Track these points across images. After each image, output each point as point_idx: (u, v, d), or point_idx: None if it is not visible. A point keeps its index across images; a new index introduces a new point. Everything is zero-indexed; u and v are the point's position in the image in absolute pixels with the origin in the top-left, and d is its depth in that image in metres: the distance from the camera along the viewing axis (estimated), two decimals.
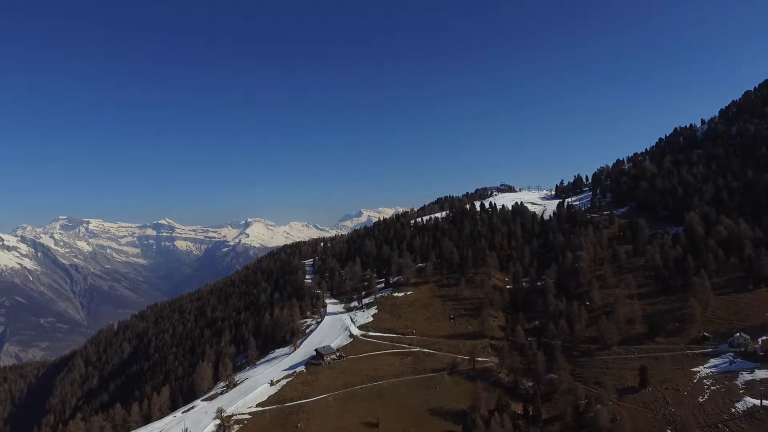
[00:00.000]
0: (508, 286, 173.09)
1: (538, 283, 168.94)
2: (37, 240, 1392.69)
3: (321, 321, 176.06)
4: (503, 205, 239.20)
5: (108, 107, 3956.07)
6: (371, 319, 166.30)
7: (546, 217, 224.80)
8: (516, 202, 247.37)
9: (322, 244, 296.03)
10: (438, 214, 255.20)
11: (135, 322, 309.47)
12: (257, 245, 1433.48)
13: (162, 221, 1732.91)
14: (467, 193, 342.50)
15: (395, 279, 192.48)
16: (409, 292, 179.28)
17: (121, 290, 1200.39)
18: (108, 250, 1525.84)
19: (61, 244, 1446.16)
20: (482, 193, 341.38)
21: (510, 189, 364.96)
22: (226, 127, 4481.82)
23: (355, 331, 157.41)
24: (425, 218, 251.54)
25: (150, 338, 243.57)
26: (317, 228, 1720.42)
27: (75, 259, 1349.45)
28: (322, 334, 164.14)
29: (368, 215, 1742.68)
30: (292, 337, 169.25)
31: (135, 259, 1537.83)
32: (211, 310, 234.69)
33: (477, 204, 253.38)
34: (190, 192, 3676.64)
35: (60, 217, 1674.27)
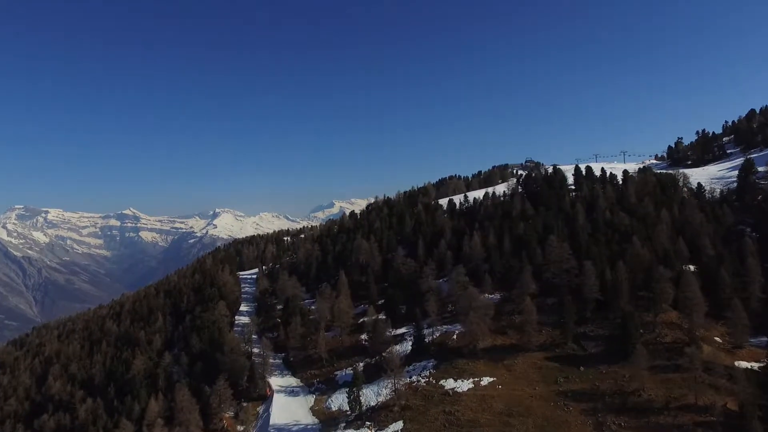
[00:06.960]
0: (746, 364, 59.59)
1: None
2: None
3: None
4: (626, 170, 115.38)
5: (72, 92, 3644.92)
6: None
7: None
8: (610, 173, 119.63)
9: (274, 248, 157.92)
10: (497, 188, 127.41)
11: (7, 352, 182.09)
12: (225, 236, 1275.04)
13: (126, 211, 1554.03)
14: (479, 172, 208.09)
15: (435, 333, 75.42)
16: (484, 380, 62.75)
17: (79, 284, 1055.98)
18: (68, 242, 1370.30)
19: (15, 234, 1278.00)
20: (502, 171, 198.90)
21: (538, 164, 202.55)
22: (192, 115, 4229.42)
23: None
24: (475, 197, 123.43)
25: None
26: (288, 219, 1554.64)
27: (29, 251, 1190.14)
28: None
29: (340, 206, 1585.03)
30: None
31: (97, 250, 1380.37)
32: (58, 374, 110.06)
33: (568, 171, 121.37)
34: (156, 181, 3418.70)
35: (16, 206, 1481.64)
